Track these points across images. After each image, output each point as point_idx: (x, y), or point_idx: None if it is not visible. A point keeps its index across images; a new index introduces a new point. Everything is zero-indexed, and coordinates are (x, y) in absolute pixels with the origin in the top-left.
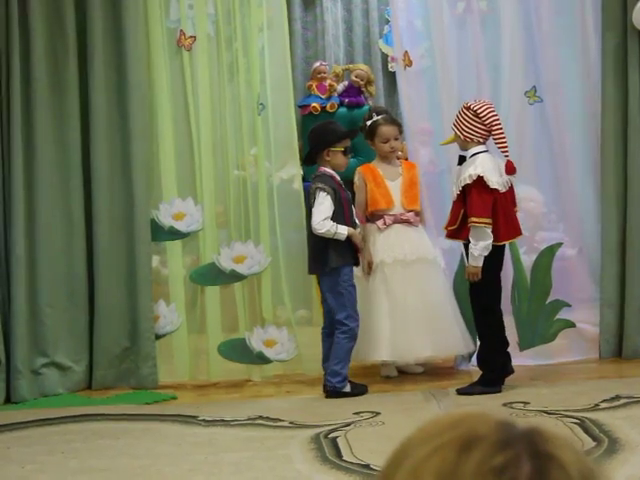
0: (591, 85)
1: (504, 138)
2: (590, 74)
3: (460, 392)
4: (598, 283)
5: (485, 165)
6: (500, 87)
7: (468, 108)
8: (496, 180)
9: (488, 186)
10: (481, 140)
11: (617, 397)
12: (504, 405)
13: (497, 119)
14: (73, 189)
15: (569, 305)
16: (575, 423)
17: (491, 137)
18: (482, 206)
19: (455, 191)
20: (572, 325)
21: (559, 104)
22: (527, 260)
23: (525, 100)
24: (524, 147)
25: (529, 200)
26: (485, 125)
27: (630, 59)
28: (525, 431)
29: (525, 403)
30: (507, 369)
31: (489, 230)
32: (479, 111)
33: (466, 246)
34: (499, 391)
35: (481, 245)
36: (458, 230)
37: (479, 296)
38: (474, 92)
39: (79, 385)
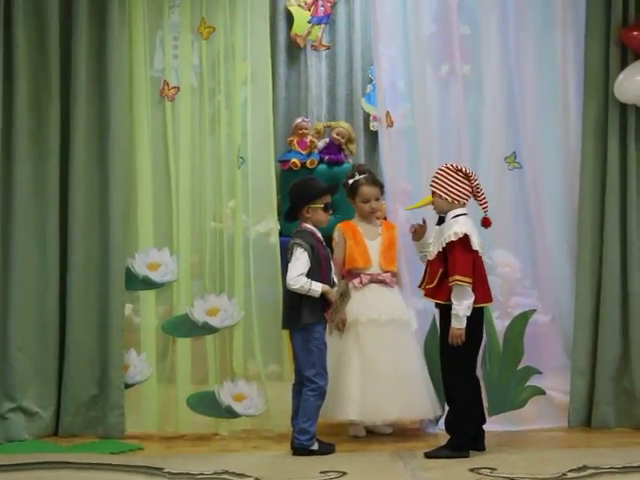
0: (570, 153)
1: (485, 197)
2: (570, 142)
3: (428, 455)
4: (570, 351)
5: (468, 226)
6: (480, 151)
7: (457, 170)
8: (477, 242)
9: (471, 247)
10: (466, 202)
11: (584, 467)
12: (471, 470)
13: (478, 181)
14: (49, 233)
15: (540, 372)
16: None
17: (473, 198)
18: (465, 265)
19: (435, 250)
20: (542, 392)
21: (538, 171)
22: (500, 325)
23: (505, 166)
24: (501, 212)
25: (504, 265)
26: (472, 187)
27: (610, 129)
28: None
29: (492, 469)
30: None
31: (470, 289)
32: (468, 173)
33: (443, 307)
34: (467, 456)
35: (465, 304)
36: (436, 289)
37: (453, 360)
38: (454, 155)
39: (45, 431)
